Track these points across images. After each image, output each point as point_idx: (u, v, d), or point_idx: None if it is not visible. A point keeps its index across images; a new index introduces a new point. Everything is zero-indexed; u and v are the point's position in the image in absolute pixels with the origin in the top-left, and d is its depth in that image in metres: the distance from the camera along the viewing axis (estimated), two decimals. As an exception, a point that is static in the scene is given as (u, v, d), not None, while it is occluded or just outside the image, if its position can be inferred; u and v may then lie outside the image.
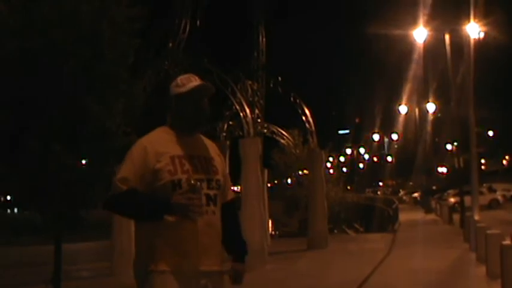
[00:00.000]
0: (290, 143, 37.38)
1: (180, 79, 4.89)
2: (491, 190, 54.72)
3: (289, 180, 55.06)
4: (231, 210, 5.04)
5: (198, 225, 4.56)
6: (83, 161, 12.43)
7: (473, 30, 26.15)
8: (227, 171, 5.07)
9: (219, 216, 4.78)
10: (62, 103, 11.73)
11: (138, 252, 4.71)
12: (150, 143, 4.74)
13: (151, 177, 4.61)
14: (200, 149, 4.87)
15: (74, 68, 11.62)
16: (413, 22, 44.43)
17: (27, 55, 11.59)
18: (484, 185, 51.85)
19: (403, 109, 78.65)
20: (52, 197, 11.87)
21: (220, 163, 4.95)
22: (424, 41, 46.95)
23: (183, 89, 4.81)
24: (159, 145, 4.71)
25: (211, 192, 4.72)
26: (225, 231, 4.85)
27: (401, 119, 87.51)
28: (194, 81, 4.85)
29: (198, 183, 4.59)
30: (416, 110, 69.22)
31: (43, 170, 11.48)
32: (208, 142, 5.02)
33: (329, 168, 62.92)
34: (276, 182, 61.57)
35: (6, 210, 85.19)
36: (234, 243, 4.99)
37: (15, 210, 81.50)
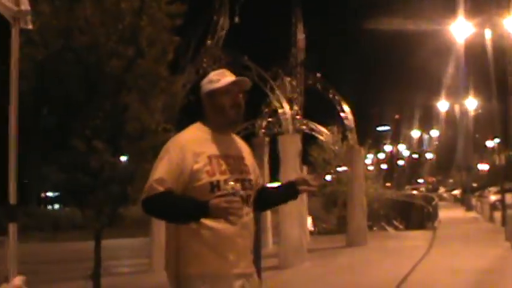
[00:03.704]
0: (329, 140, 37.30)
1: (213, 74, 4.74)
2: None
3: (327, 177, 54.90)
4: (265, 186, 5.06)
5: (234, 228, 4.47)
6: (123, 159, 12.51)
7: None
8: (257, 168, 4.99)
9: (252, 217, 4.70)
10: (104, 102, 11.83)
11: (171, 255, 4.61)
12: (186, 142, 4.60)
13: (188, 178, 4.48)
14: (234, 148, 4.76)
15: (116, 66, 11.69)
16: (453, 17, 43.99)
17: (71, 55, 11.70)
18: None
19: (443, 105, 78.01)
20: (93, 194, 11.97)
21: (251, 161, 4.86)
22: (465, 36, 46.49)
23: (217, 85, 4.65)
24: (196, 144, 4.57)
25: (245, 193, 4.62)
26: (268, 196, 4.98)
27: (441, 116, 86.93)
28: (228, 76, 4.70)
29: (238, 185, 4.51)
30: (457, 106, 68.68)
31: (85, 168, 11.57)
32: (239, 140, 4.92)
33: (368, 165, 62.67)
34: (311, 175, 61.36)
35: (47, 207, 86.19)
36: (279, 188, 5.13)
37: (56, 206, 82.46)
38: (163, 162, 4.52)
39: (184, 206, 4.49)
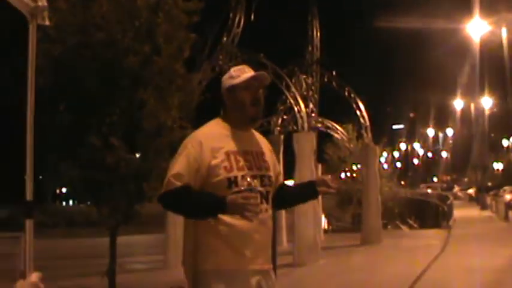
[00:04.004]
0: (344, 138, 37.24)
1: (234, 70, 4.72)
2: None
3: (342, 175, 54.81)
4: (285, 184, 5.03)
5: (252, 224, 4.44)
6: (138, 155, 12.53)
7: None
8: (278, 165, 4.96)
9: (270, 214, 4.67)
10: (120, 99, 11.85)
11: (188, 251, 4.60)
12: (205, 137, 4.57)
13: (206, 173, 4.46)
14: (253, 144, 4.73)
15: (132, 63, 11.71)
16: (469, 15, 43.87)
17: (87, 51, 11.72)
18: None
19: (458, 104, 77.84)
20: (109, 190, 11.99)
21: (271, 158, 4.83)
22: (480, 35, 46.35)
23: (237, 80, 4.63)
24: (214, 140, 4.55)
25: (264, 190, 4.58)
26: (288, 195, 4.96)
27: (456, 114, 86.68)
28: (248, 72, 4.68)
29: (256, 181, 4.51)
30: (472, 105, 68.49)
31: (101, 165, 11.59)
32: (259, 136, 4.90)
33: (383, 163, 62.55)
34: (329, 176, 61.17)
35: (62, 203, 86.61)
36: (298, 187, 5.16)
37: (70, 202, 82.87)
38: (181, 158, 4.52)
39: (201, 201, 4.49)
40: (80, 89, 11.70)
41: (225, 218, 4.42)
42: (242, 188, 4.44)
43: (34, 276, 4.76)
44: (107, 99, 11.77)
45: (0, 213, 56.40)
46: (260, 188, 4.55)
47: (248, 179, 4.47)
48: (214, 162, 4.47)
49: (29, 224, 5.21)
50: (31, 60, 5.58)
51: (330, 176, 4.94)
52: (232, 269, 4.47)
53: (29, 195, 5.26)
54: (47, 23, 5.84)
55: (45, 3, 5.76)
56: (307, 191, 5.00)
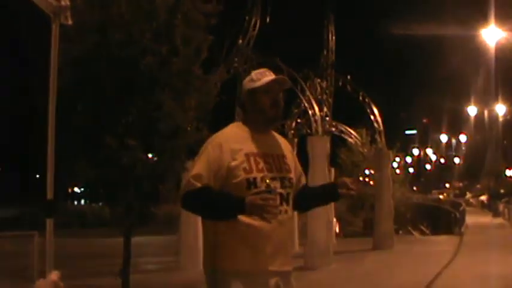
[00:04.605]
0: (358, 142, 37.20)
1: (255, 73, 4.79)
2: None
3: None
4: (307, 186, 5.05)
5: (271, 225, 4.47)
6: (153, 156, 12.55)
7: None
8: (299, 166, 5.00)
9: (291, 215, 4.70)
10: (137, 99, 11.88)
11: (207, 251, 4.64)
12: (225, 139, 4.63)
13: (225, 175, 4.51)
14: (274, 147, 4.78)
15: (150, 64, 11.73)
16: (484, 21, 43.67)
17: (105, 51, 11.75)
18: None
19: (472, 110, 77.53)
20: (124, 191, 12.02)
21: (292, 160, 4.87)
22: (495, 41, 46.14)
23: (258, 84, 4.70)
24: (234, 142, 4.61)
25: (284, 191, 4.62)
26: (309, 197, 4.96)
27: (470, 121, 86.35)
28: (269, 76, 4.74)
29: (276, 182, 4.53)
30: (486, 111, 68.28)
31: (117, 165, 11.62)
32: (280, 139, 4.94)
33: (396, 169, 62.43)
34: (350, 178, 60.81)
35: (74, 202, 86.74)
36: (319, 189, 5.09)
37: (82, 202, 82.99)
38: (201, 159, 4.58)
39: (220, 201, 4.54)
40: (98, 89, 11.73)
41: (244, 218, 4.45)
42: (261, 189, 4.47)
43: (54, 275, 4.79)
44: (124, 100, 11.80)
45: (12, 212, 56.60)
46: (280, 190, 4.58)
47: (267, 181, 4.50)
48: (233, 163, 4.52)
49: (49, 223, 5.22)
50: (53, 59, 5.60)
51: (350, 178, 4.97)
52: (250, 269, 4.51)
53: (49, 194, 5.27)
54: (70, 22, 5.88)
55: (68, 3, 5.80)
56: (328, 193, 5.01)
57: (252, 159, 4.58)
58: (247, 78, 4.81)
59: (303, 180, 5.02)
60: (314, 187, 5.18)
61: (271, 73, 4.79)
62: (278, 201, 4.51)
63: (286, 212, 4.63)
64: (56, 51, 5.63)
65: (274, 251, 4.56)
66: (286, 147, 4.91)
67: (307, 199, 4.97)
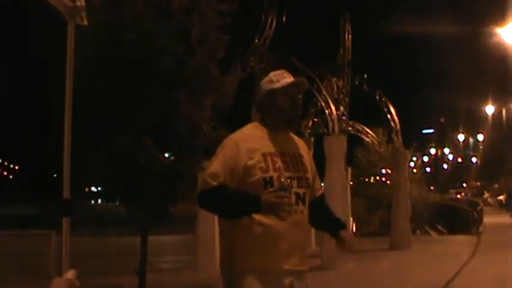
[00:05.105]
0: (374, 142, 37.10)
1: (274, 75, 4.81)
2: None
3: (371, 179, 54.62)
4: (322, 203, 5.02)
5: (286, 224, 4.49)
6: (169, 155, 12.57)
7: None
8: (315, 169, 5.01)
9: (306, 215, 4.72)
10: (155, 99, 11.89)
11: (224, 250, 4.68)
12: (242, 139, 4.67)
13: (242, 174, 4.54)
14: (291, 147, 4.79)
15: (166, 63, 11.74)
16: (503, 19, 43.41)
17: (120, 51, 11.77)
18: None
19: (489, 109, 77.17)
20: (141, 190, 12.04)
21: (309, 161, 4.89)
22: (512, 39, 45.81)
23: (277, 85, 4.72)
24: (251, 141, 4.64)
25: (301, 191, 4.65)
26: (318, 216, 4.88)
27: (487, 119, 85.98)
28: (288, 77, 4.76)
29: (289, 181, 4.54)
30: (504, 110, 67.95)
31: (134, 164, 11.64)
32: (297, 139, 4.95)
33: (413, 168, 62.22)
34: (361, 178, 60.65)
35: (91, 201, 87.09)
36: (331, 219, 4.99)
37: (99, 201, 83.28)
38: (218, 158, 4.62)
39: (236, 200, 4.56)
40: (113, 88, 11.75)
41: (259, 217, 4.48)
42: (277, 187, 4.48)
43: (70, 274, 4.81)
44: (140, 99, 11.82)
45: (32, 210, 56.86)
46: (296, 189, 4.61)
47: (282, 180, 4.51)
48: (250, 162, 4.55)
49: (65, 222, 5.24)
50: (69, 60, 5.62)
51: (352, 238, 4.94)
52: (265, 268, 4.53)
53: (65, 193, 5.29)
54: (85, 23, 5.90)
55: (83, 3, 5.82)
56: (331, 227, 4.97)
57: (269, 158, 4.60)
58: (266, 79, 4.84)
59: (317, 184, 5.03)
60: (325, 210, 5.10)
61: (290, 75, 4.82)
62: (293, 199, 4.54)
63: (302, 212, 4.66)
64: (72, 52, 5.65)
65: (289, 250, 4.57)
66: (303, 148, 4.93)
67: (315, 216, 4.90)
